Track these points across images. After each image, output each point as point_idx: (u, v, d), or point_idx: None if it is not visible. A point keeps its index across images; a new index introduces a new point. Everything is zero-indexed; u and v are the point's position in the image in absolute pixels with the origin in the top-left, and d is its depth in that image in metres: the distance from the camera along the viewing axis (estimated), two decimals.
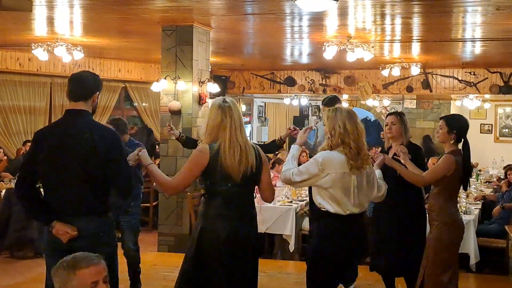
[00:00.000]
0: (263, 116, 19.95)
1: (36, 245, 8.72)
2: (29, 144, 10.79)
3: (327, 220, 4.29)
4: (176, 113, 8.67)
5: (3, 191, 8.96)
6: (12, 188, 9.02)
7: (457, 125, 5.26)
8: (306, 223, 8.31)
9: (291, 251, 8.31)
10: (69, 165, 3.81)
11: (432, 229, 5.29)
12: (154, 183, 10.58)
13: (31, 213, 4.23)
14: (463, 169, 5.21)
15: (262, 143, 8.22)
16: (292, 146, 4.61)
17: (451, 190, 5.30)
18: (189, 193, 8.42)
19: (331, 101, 6.53)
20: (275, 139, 7.40)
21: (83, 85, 3.96)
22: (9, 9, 5.41)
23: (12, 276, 7.76)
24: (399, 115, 5.87)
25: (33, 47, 10.16)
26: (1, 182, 9.59)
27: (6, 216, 8.61)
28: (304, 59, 13.46)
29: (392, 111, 8.88)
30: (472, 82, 13.85)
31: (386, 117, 5.98)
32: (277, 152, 11.43)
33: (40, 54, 10.16)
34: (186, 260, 4.09)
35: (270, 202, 4.47)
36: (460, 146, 5.30)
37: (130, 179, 3.97)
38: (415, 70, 12.60)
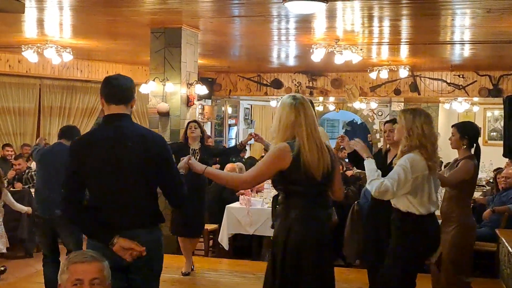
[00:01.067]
0: (249, 118, 19.97)
1: (26, 245, 8.72)
2: (8, 148, 10.95)
3: (410, 221, 4.46)
4: (164, 115, 8.70)
5: None
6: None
7: (468, 131, 5.42)
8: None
9: None
10: (123, 175, 3.49)
11: (449, 232, 5.37)
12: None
13: (87, 232, 3.61)
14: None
15: (223, 148, 8.31)
16: (367, 160, 4.57)
17: (468, 193, 5.52)
18: None
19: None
20: (236, 145, 7.57)
21: (126, 86, 3.66)
22: (1, 11, 5.42)
23: (3, 276, 7.76)
24: (396, 123, 5.94)
25: (23, 49, 10.16)
26: None
27: None
28: (291, 62, 13.50)
29: (388, 118, 8.97)
30: (461, 85, 13.95)
31: (384, 125, 6.10)
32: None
33: (30, 56, 10.17)
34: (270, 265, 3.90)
35: (340, 200, 4.30)
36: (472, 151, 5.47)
37: (184, 186, 3.72)
38: (403, 73, 12.66)
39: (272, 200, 4.28)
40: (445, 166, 6.32)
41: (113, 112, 3.59)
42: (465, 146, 5.38)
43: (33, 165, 10.62)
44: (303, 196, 3.76)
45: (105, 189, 3.51)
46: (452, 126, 5.55)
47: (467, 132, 5.39)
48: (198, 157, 6.98)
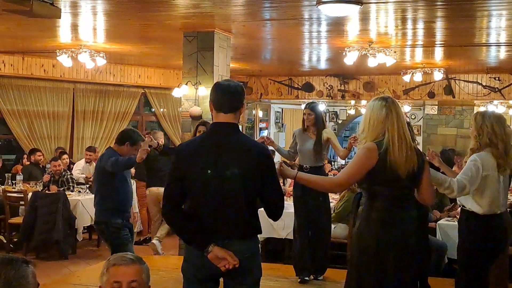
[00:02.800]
0: (280, 122, 19.95)
1: (61, 247, 8.82)
2: (38, 153, 11.11)
3: (474, 220, 4.58)
4: (197, 118, 8.70)
5: (30, 194, 9.08)
6: (38, 191, 9.15)
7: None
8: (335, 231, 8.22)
9: None
10: (225, 185, 3.43)
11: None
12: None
13: (185, 237, 3.60)
14: None
15: None
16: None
17: None
18: None
19: None
20: None
21: (236, 96, 3.56)
22: (39, 16, 5.48)
23: (38, 277, 7.82)
24: None
25: (57, 54, 10.29)
26: (28, 186, 9.71)
27: (32, 218, 8.76)
28: (323, 65, 13.44)
29: (421, 122, 8.95)
30: (497, 87, 13.72)
31: None
32: None
33: (65, 60, 10.30)
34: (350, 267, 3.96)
35: (431, 203, 4.31)
36: None
37: (283, 198, 3.68)
38: (438, 76, 12.51)
39: (353, 200, 4.34)
40: None
41: (221, 120, 3.53)
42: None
43: (81, 168, 10.84)
44: (387, 198, 3.75)
45: (206, 198, 3.47)
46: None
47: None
48: None
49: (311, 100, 7.80)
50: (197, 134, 7.04)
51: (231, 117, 3.53)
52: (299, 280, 7.11)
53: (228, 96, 3.52)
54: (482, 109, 15.97)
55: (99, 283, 2.78)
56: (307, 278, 7.11)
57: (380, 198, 3.76)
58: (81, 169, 11.35)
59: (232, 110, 3.52)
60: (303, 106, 17.42)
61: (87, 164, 11.44)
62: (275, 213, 3.65)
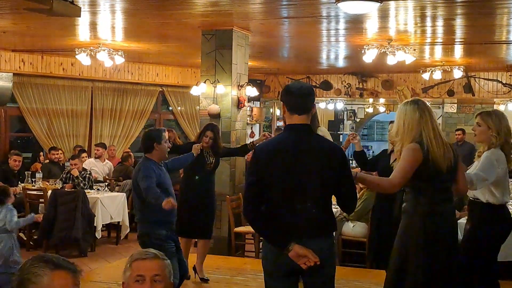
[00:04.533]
0: None
1: (80, 244, 8.87)
2: (54, 152, 11.17)
3: (491, 210, 4.88)
4: (215, 116, 8.71)
5: (49, 191, 9.14)
6: (57, 189, 9.21)
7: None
8: (346, 228, 8.25)
9: None
10: (304, 184, 3.57)
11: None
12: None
13: (266, 236, 3.73)
14: None
15: (231, 148, 8.17)
16: None
17: None
18: (228, 196, 8.46)
19: None
20: (246, 144, 7.55)
21: (310, 96, 3.72)
22: (59, 14, 5.52)
23: None
24: None
25: (76, 52, 10.35)
26: (47, 184, 9.77)
27: (52, 216, 8.81)
28: (341, 63, 13.40)
29: (440, 120, 8.90)
30: None
31: (390, 125, 6.45)
32: None
33: (83, 59, 10.37)
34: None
35: (465, 193, 4.63)
36: None
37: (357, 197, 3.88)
38: (457, 74, 12.42)
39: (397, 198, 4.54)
40: None
41: (296, 122, 3.66)
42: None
43: (89, 164, 10.88)
44: (431, 192, 4.05)
45: (286, 197, 3.58)
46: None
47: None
48: (213, 160, 7.12)
49: None
50: (204, 139, 7.03)
51: (304, 118, 3.66)
52: None
53: (301, 99, 3.67)
54: (502, 107, 15.86)
55: (122, 280, 2.78)
56: None
57: (424, 193, 4.05)
58: (95, 168, 11.32)
59: (305, 111, 3.66)
60: (321, 105, 17.51)
61: (97, 159, 11.49)
62: (350, 207, 3.87)
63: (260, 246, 8.80)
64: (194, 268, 7.16)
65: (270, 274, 3.71)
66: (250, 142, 7.60)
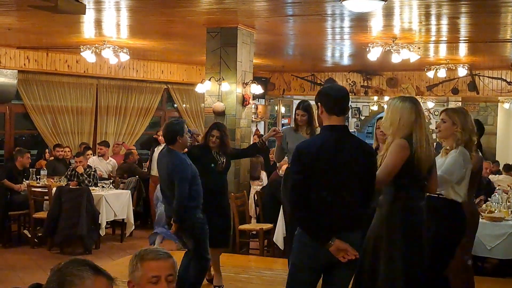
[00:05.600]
0: None
1: (85, 241, 8.90)
2: (58, 148, 11.19)
3: (454, 208, 4.87)
4: (220, 114, 8.72)
5: (54, 189, 9.17)
6: (62, 186, 9.24)
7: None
8: None
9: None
10: (346, 181, 3.81)
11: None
12: None
13: (308, 231, 3.86)
14: None
15: (240, 149, 8.06)
16: None
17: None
18: (232, 194, 8.47)
19: None
20: (256, 142, 7.38)
21: (347, 97, 4.00)
22: (64, 12, 5.53)
23: None
24: None
25: (81, 49, 10.37)
26: (52, 181, 9.80)
27: (56, 213, 8.84)
28: (346, 61, 13.40)
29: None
30: None
31: (377, 121, 6.39)
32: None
33: (88, 56, 10.39)
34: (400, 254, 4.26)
35: (435, 192, 4.68)
36: None
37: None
38: (462, 72, 12.41)
39: None
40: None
41: (335, 123, 3.88)
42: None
43: (92, 162, 10.89)
44: (409, 189, 4.21)
45: (329, 194, 3.78)
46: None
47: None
48: (224, 161, 6.81)
49: (302, 99, 7.73)
50: (211, 139, 6.75)
51: (342, 119, 3.91)
52: None
53: (340, 101, 3.91)
54: (506, 105, 15.86)
55: (128, 278, 2.77)
56: None
57: (404, 189, 4.19)
58: (98, 166, 11.33)
59: (343, 112, 3.92)
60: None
61: (100, 157, 11.51)
62: (369, 204, 4.02)
63: (265, 244, 8.84)
64: (210, 280, 6.87)
65: (302, 268, 3.90)
66: (260, 140, 7.41)
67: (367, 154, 3.93)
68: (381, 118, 6.07)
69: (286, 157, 7.60)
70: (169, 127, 6.03)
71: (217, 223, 6.59)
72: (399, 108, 4.26)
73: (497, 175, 11.63)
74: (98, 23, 8.99)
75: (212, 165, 6.71)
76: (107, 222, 9.46)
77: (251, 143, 8.64)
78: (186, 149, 6.28)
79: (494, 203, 7.85)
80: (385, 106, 18.69)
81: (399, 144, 4.16)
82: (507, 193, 8.61)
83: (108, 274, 2.40)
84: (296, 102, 18.93)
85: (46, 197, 9.34)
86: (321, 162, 3.78)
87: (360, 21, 8.43)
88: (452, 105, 16.93)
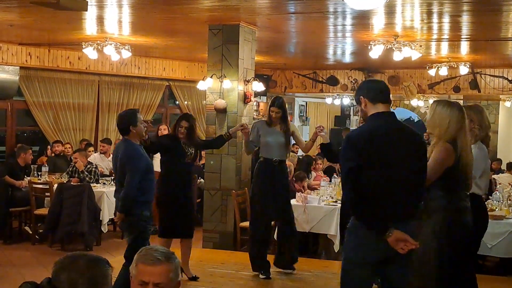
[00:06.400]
0: (304, 115, 19.89)
1: (86, 238, 8.90)
2: (56, 145, 11.20)
3: (479, 202, 5.09)
4: (221, 111, 8.73)
5: (55, 185, 9.18)
6: (63, 182, 9.25)
7: None
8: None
9: (335, 251, 8.28)
10: (400, 167, 3.72)
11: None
12: (198, 181, 10.69)
13: (365, 222, 3.74)
14: None
15: (207, 139, 8.22)
16: None
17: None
18: (233, 191, 8.49)
19: None
20: (222, 134, 7.50)
21: (387, 88, 4.03)
22: (66, 9, 5.53)
23: None
24: None
25: (83, 46, 10.37)
26: (53, 177, 9.81)
27: (57, 210, 8.85)
28: (347, 58, 13.40)
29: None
30: None
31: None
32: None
33: (90, 53, 10.39)
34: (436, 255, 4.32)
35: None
36: None
37: None
38: (464, 70, 12.40)
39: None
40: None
41: (381, 110, 3.85)
42: None
43: (94, 159, 10.88)
44: (459, 190, 4.39)
45: (384, 182, 3.69)
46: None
47: None
48: (192, 152, 6.93)
49: (276, 95, 7.90)
50: (179, 129, 6.83)
51: (388, 106, 3.89)
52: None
53: (383, 87, 3.94)
54: (507, 104, 15.83)
55: (130, 274, 2.77)
56: None
57: (454, 191, 4.36)
58: (99, 163, 11.33)
59: (388, 100, 3.90)
60: (327, 100, 17.49)
61: (102, 155, 11.51)
62: (423, 195, 4.02)
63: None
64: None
65: (358, 263, 3.78)
66: (226, 132, 7.52)
67: (418, 140, 3.89)
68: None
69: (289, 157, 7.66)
70: (120, 117, 6.07)
71: (183, 213, 6.81)
72: (447, 113, 4.38)
73: (499, 174, 11.64)
74: (100, 20, 8.98)
75: (181, 156, 6.84)
76: (108, 219, 9.45)
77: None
78: (145, 137, 6.27)
79: (495, 201, 7.87)
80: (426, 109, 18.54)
81: (446, 148, 4.27)
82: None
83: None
84: (298, 100, 19.09)
85: (47, 194, 9.35)
86: (374, 149, 3.69)
87: (362, 19, 8.43)
88: None
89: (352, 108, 20.64)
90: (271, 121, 7.11)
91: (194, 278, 6.93)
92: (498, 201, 7.90)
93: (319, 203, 8.34)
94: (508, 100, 15.68)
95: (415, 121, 23.84)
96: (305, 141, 8.01)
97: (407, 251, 3.60)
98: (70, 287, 2.37)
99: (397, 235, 3.57)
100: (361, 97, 3.88)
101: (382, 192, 3.67)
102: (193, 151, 6.95)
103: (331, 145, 6.83)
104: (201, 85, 9.09)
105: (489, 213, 7.35)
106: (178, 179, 6.85)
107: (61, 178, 9.65)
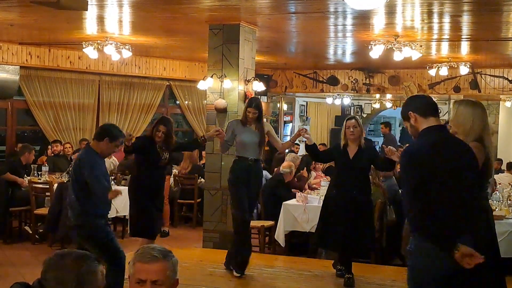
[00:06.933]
0: (305, 115, 19.89)
1: None
2: (56, 144, 11.17)
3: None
4: (222, 111, 8.73)
5: (55, 185, 9.17)
6: (63, 182, 9.24)
7: None
8: None
9: None
10: (462, 180, 3.69)
11: None
12: (199, 181, 10.69)
13: (433, 238, 3.63)
14: None
15: (181, 142, 8.25)
16: None
17: None
18: None
19: None
20: (197, 138, 7.54)
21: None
22: (66, 8, 5.53)
23: None
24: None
25: (84, 46, 10.38)
26: (53, 177, 9.81)
27: (57, 210, 8.84)
28: (348, 58, 13.40)
29: (446, 116, 9.17)
30: None
31: (346, 122, 6.83)
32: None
33: (91, 52, 10.40)
34: None
35: None
36: None
37: None
38: (464, 70, 12.41)
39: None
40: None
41: (434, 123, 3.81)
42: None
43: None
44: (485, 189, 4.48)
45: (449, 196, 3.64)
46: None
47: None
48: (167, 156, 7.00)
49: (253, 96, 8.04)
50: (157, 134, 6.87)
51: (439, 119, 3.87)
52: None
53: (431, 101, 3.95)
54: (508, 104, 15.82)
55: (128, 273, 2.79)
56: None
57: (483, 190, 4.40)
58: None
59: (438, 112, 3.88)
60: (328, 100, 17.48)
61: None
62: None
63: (266, 241, 8.85)
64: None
65: (428, 282, 3.66)
66: (202, 136, 7.54)
67: (470, 152, 3.86)
68: (350, 118, 6.84)
69: (289, 156, 7.68)
70: (106, 125, 6.01)
71: (155, 216, 6.95)
72: (470, 112, 4.40)
73: (499, 174, 11.63)
74: (101, 20, 8.98)
75: (156, 159, 6.88)
76: (108, 218, 9.43)
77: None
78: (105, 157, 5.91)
79: (495, 201, 7.86)
80: (387, 104, 18.63)
81: (475, 146, 4.19)
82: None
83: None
84: (298, 100, 19.09)
85: (48, 193, 9.35)
86: (438, 160, 3.65)
87: (363, 18, 8.43)
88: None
89: (352, 108, 20.63)
90: (246, 121, 7.13)
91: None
92: (498, 201, 7.89)
93: (319, 203, 8.31)
94: (508, 100, 15.68)
95: None
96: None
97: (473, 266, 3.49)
98: (57, 285, 2.38)
99: (463, 250, 3.46)
100: (410, 112, 3.83)
101: (449, 207, 3.61)
102: (167, 156, 7.01)
103: (316, 147, 7.11)
104: (202, 85, 9.10)
105: None
106: (151, 182, 6.92)
107: (61, 177, 9.65)
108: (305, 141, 7.22)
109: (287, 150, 10.24)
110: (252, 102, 7.23)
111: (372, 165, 7.07)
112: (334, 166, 7.31)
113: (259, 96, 7.47)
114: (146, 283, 2.67)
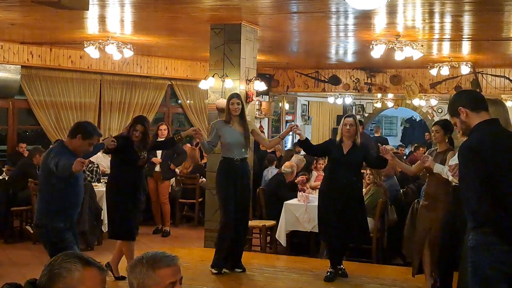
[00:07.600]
0: (307, 114, 19.90)
1: (87, 238, 8.89)
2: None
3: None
4: (223, 111, 8.68)
5: None
6: None
7: (450, 128, 6.33)
8: None
9: None
10: None
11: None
12: (200, 180, 10.70)
13: (505, 233, 3.55)
14: None
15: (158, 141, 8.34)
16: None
17: None
18: None
19: None
20: (173, 136, 7.57)
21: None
22: (67, 8, 5.51)
23: None
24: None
25: (85, 45, 10.38)
26: None
27: None
28: (349, 58, 13.41)
29: (447, 116, 9.14)
30: None
31: (344, 119, 7.05)
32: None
33: (92, 52, 10.40)
34: None
35: None
36: None
37: None
38: (465, 70, 12.41)
39: None
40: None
41: (486, 118, 3.77)
42: (446, 140, 6.43)
43: (96, 158, 10.87)
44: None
45: None
46: (435, 124, 6.59)
47: (449, 129, 6.35)
48: (145, 155, 6.98)
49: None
50: (134, 133, 6.82)
51: (489, 113, 3.82)
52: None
53: (479, 95, 3.95)
54: (509, 104, 15.77)
55: (134, 283, 2.68)
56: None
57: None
58: (102, 162, 11.29)
59: (487, 106, 3.83)
60: (330, 99, 17.48)
61: (104, 154, 11.44)
62: None
63: (268, 240, 8.85)
64: (108, 264, 6.88)
65: (498, 279, 3.57)
66: (178, 135, 7.52)
67: None
68: (349, 116, 7.07)
69: (295, 158, 7.71)
70: (80, 122, 5.78)
71: (133, 216, 6.94)
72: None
73: None
74: (102, 19, 8.99)
75: (134, 159, 6.85)
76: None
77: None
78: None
79: None
80: (389, 104, 18.64)
81: None
82: None
83: (99, 265, 2.39)
84: (300, 99, 19.10)
85: None
86: (500, 153, 3.59)
87: (364, 18, 8.44)
88: None
89: (354, 107, 20.64)
90: (230, 118, 7.12)
91: (122, 278, 6.84)
92: None
93: None
94: (509, 100, 15.62)
95: (417, 120, 23.76)
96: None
97: None
98: (39, 280, 2.40)
99: None
100: (461, 108, 3.76)
101: None
102: (145, 155, 7.00)
103: (308, 141, 7.20)
104: (203, 84, 9.10)
105: None
106: (128, 182, 6.86)
107: None
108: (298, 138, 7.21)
109: (286, 148, 10.25)
110: (233, 95, 7.25)
111: (364, 162, 7.21)
112: (328, 160, 7.40)
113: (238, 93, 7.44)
114: (176, 283, 2.68)
